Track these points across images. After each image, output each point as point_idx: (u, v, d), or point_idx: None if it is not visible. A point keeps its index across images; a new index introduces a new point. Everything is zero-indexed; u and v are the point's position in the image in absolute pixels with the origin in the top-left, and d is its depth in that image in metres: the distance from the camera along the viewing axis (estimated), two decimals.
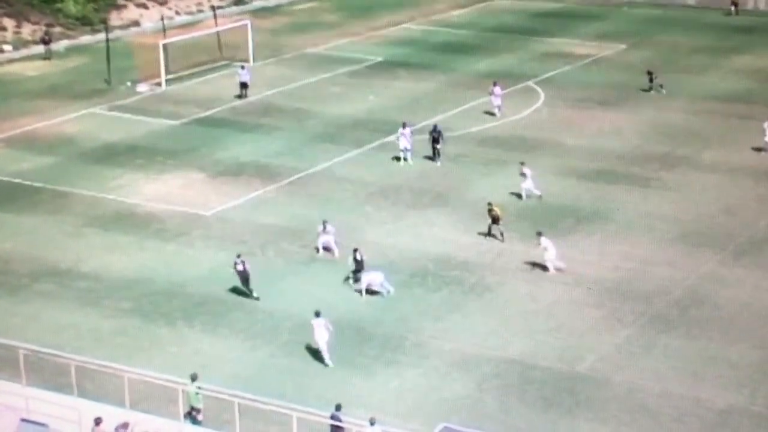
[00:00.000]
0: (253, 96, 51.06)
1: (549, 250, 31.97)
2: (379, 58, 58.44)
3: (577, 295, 30.70)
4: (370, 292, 30.77)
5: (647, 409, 25.15)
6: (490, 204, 34.39)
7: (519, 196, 37.52)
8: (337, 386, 26.11)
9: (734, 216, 35.76)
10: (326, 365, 27.07)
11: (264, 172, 40.98)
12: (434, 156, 41.05)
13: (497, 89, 47.29)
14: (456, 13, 70.92)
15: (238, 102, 50.00)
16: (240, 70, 51.10)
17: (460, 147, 43.01)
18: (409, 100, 50.42)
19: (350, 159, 42.38)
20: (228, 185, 39.64)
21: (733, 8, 69.02)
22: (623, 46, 60.59)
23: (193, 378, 24.49)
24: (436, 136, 41.04)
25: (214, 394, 24.45)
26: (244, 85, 50.74)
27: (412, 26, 67.00)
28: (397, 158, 41.34)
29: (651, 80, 51.04)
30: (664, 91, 50.42)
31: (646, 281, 31.54)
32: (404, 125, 41.42)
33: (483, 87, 50.69)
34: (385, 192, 38.63)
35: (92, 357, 27.23)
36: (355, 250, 31.23)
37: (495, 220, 33.96)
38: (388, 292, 30.73)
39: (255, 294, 30.50)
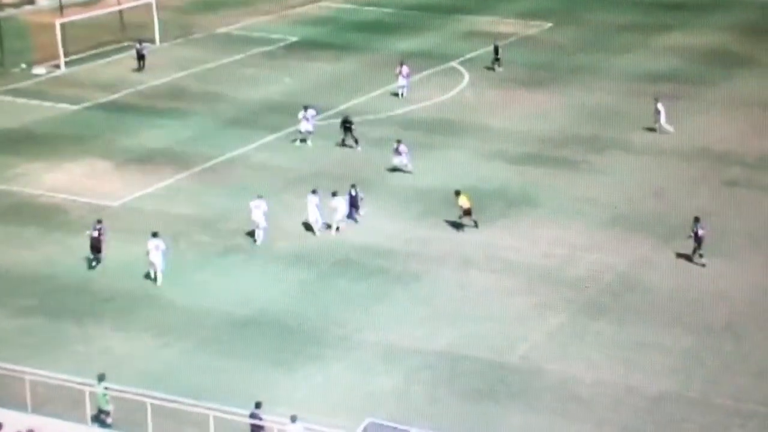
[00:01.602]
0: (162, 79, 50.53)
1: (338, 210, 33.70)
2: (295, 38, 58.32)
3: (507, 283, 31.24)
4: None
5: (580, 399, 25.78)
6: (458, 192, 34.08)
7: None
8: (258, 383, 26.13)
9: (664, 199, 36.78)
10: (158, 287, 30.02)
11: (175, 160, 40.62)
12: (346, 142, 41.00)
13: (404, 69, 47.63)
14: None
15: (143, 86, 49.38)
16: (137, 45, 51.47)
17: (382, 130, 43.27)
18: (328, 82, 50.48)
19: (266, 145, 42.29)
20: (136, 174, 39.21)
21: None
22: (549, 25, 61.57)
23: (101, 378, 24.26)
24: (348, 126, 41.14)
25: (123, 395, 24.25)
26: (141, 57, 50.86)
27: (329, 4, 66.96)
28: (299, 140, 41.30)
29: (496, 54, 51.65)
30: (501, 68, 51.33)
31: (577, 267, 32.25)
32: (305, 108, 41.60)
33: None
34: (304, 179, 38.62)
35: None
36: (353, 186, 34.53)
37: (467, 212, 33.82)
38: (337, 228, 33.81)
39: (94, 264, 31.63)
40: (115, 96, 48.25)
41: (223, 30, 60.05)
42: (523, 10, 65.01)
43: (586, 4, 66.98)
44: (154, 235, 31.24)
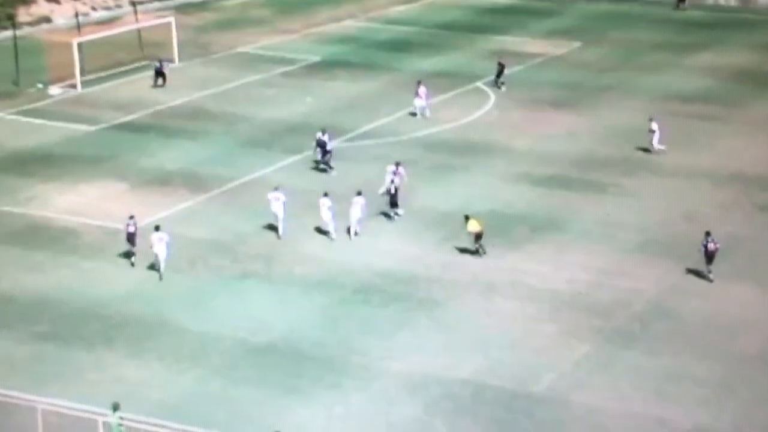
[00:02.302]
0: (180, 99, 50.80)
1: (352, 214, 34.99)
2: (317, 58, 58.52)
3: (532, 310, 31.00)
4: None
5: (608, 431, 25.45)
6: (467, 217, 34.00)
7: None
8: (275, 413, 26.00)
9: (696, 223, 36.42)
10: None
11: (193, 182, 40.72)
12: (322, 165, 40.77)
13: (422, 89, 47.68)
14: (399, 9, 71.36)
15: (161, 106, 49.68)
16: (157, 63, 52.08)
17: (405, 152, 43.21)
18: (349, 102, 50.57)
19: (286, 166, 42.33)
20: (153, 196, 39.32)
21: (679, 2, 70.46)
22: (578, 44, 61.51)
23: (115, 407, 24.21)
24: (323, 144, 40.88)
25: (138, 425, 24.15)
26: (161, 74, 51.55)
27: (351, 23, 67.27)
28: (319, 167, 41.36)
29: (500, 73, 51.76)
30: (504, 88, 51.45)
31: (605, 294, 31.97)
32: (323, 132, 41.45)
33: (429, 87, 50.95)
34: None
35: (3, 387, 26.73)
36: (392, 182, 36.49)
37: (478, 236, 33.71)
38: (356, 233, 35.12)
39: (133, 260, 33.37)
40: (133, 116, 48.53)
41: (243, 49, 60.37)
42: (551, 29, 65.07)
43: (616, 23, 66.97)
44: (157, 228, 33.09)
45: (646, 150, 43.18)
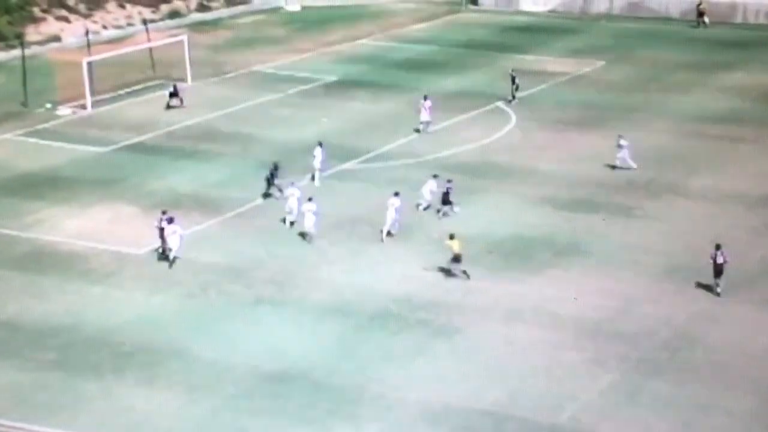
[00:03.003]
0: (193, 119, 51.11)
1: (388, 215, 36.66)
2: (334, 77, 58.80)
3: (556, 337, 30.91)
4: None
5: None
6: (452, 236, 34.40)
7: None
8: None
9: (726, 248, 36.19)
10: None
11: (205, 204, 40.87)
12: (268, 193, 40.99)
13: (427, 103, 48.08)
14: (418, 27, 71.71)
15: (173, 126, 49.97)
16: (171, 88, 52.77)
17: (424, 174, 43.20)
18: (367, 123, 50.74)
19: (301, 188, 42.33)
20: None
21: (700, 20, 70.52)
22: (602, 63, 61.56)
23: None
24: (273, 173, 41.04)
25: None
26: (175, 95, 52.21)
27: (369, 42, 67.59)
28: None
29: (514, 84, 52.84)
30: (516, 100, 52.52)
31: (630, 321, 31.84)
32: (320, 143, 42.68)
33: (449, 108, 51.24)
34: (341, 225, 38.70)
35: (8, 419, 26.81)
36: (449, 180, 38.84)
37: (455, 258, 34.01)
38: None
39: (168, 256, 35.02)
40: (144, 137, 48.84)
41: (257, 68, 60.73)
42: (574, 48, 65.21)
43: (640, 41, 67.07)
44: (170, 221, 35.34)
45: (613, 166, 43.59)
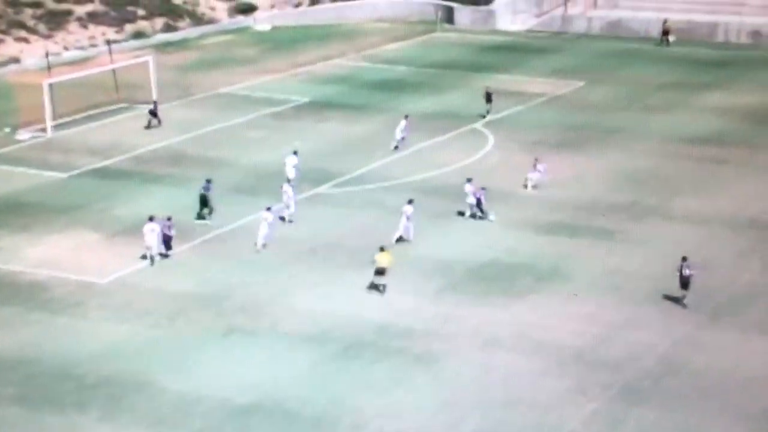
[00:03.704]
0: (159, 143, 51.09)
1: (401, 222, 38.51)
2: (306, 99, 59.00)
3: (538, 365, 31.01)
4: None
5: None
6: (382, 248, 35.33)
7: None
8: None
9: (710, 272, 36.56)
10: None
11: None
12: (203, 215, 41.18)
13: (405, 123, 49.41)
14: (393, 47, 72.14)
15: (139, 150, 49.93)
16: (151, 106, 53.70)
17: (400, 198, 43.34)
18: (341, 145, 50.91)
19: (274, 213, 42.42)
20: (129, 247, 39.33)
21: (664, 38, 71.47)
22: (581, 83, 62.10)
23: None
24: (205, 192, 41.40)
25: None
26: (153, 114, 52.72)
27: (342, 62, 67.89)
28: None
29: (489, 101, 54.34)
30: (488, 117, 53.87)
31: (613, 347, 31.99)
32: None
33: (426, 129, 51.51)
34: (315, 250, 38.74)
35: None
36: (482, 188, 41.02)
37: (380, 271, 34.86)
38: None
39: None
40: (108, 162, 48.75)
41: (226, 90, 60.85)
42: (553, 68, 65.79)
43: (620, 61, 67.75)
44: (151, 219, 37.23)
45: (531, 186, 44.64)
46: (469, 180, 41.88)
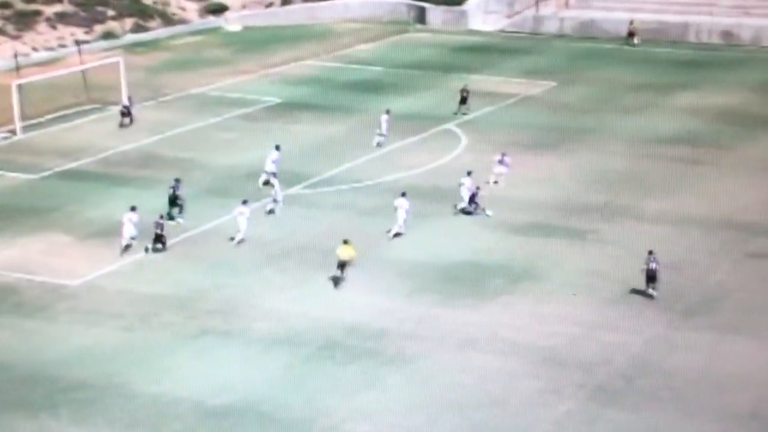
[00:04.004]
0: (129, 144, 51.02)
1: (398, 216, 39.18)
2: (277, 99, 59.05)
3: (511, 366, 31.28)
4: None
5: None
6: (345, 241, 35.97)
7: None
8: None
9: (682, 272, 36.99)
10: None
11: (143, 233, 40.66)
12: (173, 215, 41.36)
13: (384, 117, 50.27)
14: (364, 48, 72.28)
15: (109, 152, 49.86)
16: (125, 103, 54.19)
17: (373, 199, 43.65)
18: (313, 146, 51.01)
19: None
20: (100, 249, 39.34)
21: (629, 39, 72.13)
22: (553, 84, 62.51)
23: None
24: (174, 193, 41.69)
25: None
26: (127, 114, 52.96)
27: (313, 63, 67.99)
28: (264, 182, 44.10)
29: (464, 101, 55.21)
30: (466, 116, 54.80)
31: (586, 348, 32.30)
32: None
33: (398, 130, 51.67)
34: (288, 252, 38.87)
35: None
36: (477, 188, 41.73)
37: (341, 264, 35.49)
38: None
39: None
40: (78, 163, 48.65)
41: (197, 91, 60.81)
42: (526, 68, 66.16)
43: (593, 62, 68.24)
44: (133, 209, 38.77)
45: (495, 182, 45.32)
46: (469, 173, 42.45)
